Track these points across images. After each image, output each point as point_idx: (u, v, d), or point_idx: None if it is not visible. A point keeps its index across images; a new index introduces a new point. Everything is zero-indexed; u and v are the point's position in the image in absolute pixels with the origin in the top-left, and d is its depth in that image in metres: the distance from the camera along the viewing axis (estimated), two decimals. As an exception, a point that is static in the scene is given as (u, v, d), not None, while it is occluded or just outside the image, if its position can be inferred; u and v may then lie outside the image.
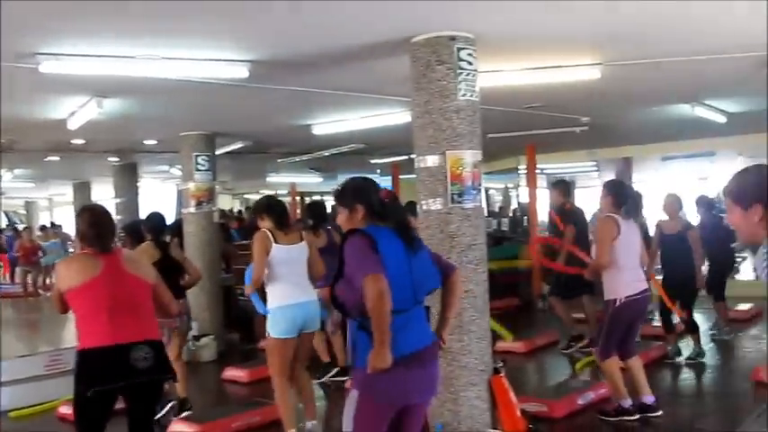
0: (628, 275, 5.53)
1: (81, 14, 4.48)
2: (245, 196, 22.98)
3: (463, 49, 5.04)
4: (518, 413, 5.15)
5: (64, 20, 4.60)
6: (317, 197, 18.88)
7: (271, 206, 5.38)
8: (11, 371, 7.14)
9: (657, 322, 7.81)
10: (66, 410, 6.27)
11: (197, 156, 9.39)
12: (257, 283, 5.14)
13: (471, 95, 5.07)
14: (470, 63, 5.08)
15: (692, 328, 7.43)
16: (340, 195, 3.38)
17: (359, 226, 3.25)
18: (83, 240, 3.90)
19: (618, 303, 5.50)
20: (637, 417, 5.63)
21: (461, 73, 5.02)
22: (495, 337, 9.93)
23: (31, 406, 6.76)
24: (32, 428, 6.40)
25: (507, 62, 6.15)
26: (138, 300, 3.85)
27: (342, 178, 17.22)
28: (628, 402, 5.64)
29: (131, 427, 3.92)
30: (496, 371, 5.19)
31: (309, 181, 18.14)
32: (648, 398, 5.69)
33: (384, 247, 3.11)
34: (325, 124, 9.25)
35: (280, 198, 5.82)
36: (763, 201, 2.73)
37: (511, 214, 17.49)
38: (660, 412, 5.68)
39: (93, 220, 3.89)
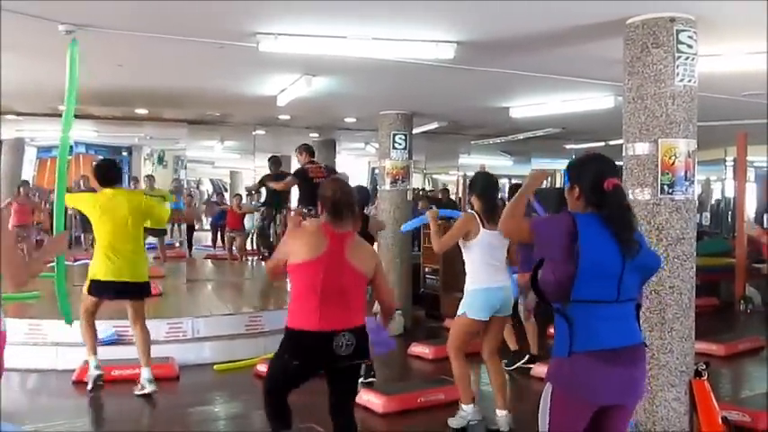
0: None
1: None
2: (434, 176, 23.15)
3: (683, 31, 4.75)
4: (719, 421, 4.84)
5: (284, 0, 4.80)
6: (515, 180, 18.70)
7: (485, 188, 5.27)
8: (215, 327, 7.70)
9: None
10: (263, 369, 6.69)
11: (395, 134, 9.56)
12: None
13: (690, 81, 4.78)
14: (690, 46, 4.78)
15: None
16: (567, 167, 3.22)
17: (575, 207, 3.10)
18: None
19: None
20: None
21: (680, 57, 4.74)
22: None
23: (231, 361, 7.20)
24: (233, 382, 6.81)
25: (727, 45, 5.75)
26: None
27: (535, 162, 16.91)
28: None
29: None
30: (698, 373, 4.89)
31: (500, 164, 17.99)
32: None
33: (585, 232, 2.93)
34: (525, 107, 9.11)
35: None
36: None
37: (710, 208, 16.53)
38: None
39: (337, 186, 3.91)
